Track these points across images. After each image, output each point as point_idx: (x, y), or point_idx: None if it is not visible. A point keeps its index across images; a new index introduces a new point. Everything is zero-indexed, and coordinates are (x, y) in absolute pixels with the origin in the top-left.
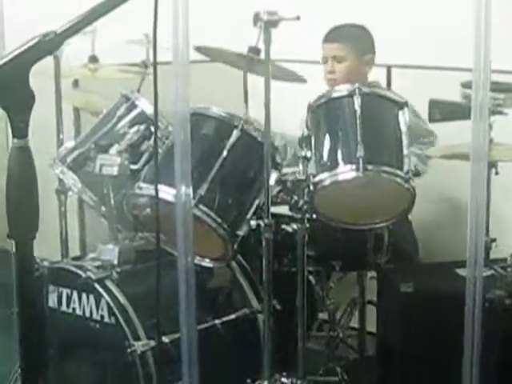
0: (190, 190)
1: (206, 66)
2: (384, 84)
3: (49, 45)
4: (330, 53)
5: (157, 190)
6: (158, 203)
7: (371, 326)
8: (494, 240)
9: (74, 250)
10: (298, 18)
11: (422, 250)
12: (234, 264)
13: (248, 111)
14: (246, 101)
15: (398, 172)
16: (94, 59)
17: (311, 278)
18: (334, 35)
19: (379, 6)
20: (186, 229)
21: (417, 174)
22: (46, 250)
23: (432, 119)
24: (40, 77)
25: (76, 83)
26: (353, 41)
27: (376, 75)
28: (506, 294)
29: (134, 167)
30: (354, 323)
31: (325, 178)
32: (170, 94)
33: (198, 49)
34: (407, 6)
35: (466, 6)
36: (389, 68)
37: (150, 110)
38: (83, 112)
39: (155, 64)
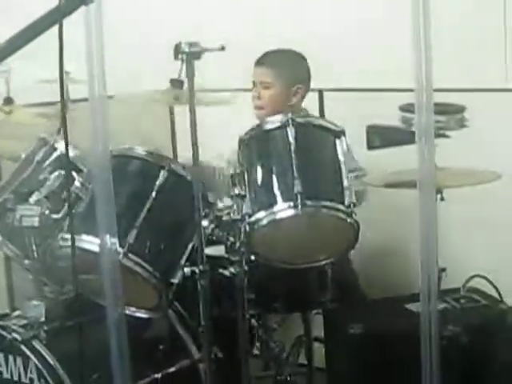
0: (116, 239)
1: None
2: (316, 109)
3: None
4: (257, 77)
5: (73, 242)
6: (74, 254)
7: (319, 363)
8: (443, 270)
9: (2, 305)
10: (222, 49)
11: (364, 285)
12: (170, 312)
13: (176, 144)
14: (173, 133)
15: (339, 206)
16: (8, 101)
17: (253, 321)
18: (265, 60)
19: (312, 27)
20: (113, 280)
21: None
22: None
23: (371, 146)
24: None
25: None
26: (282, 68)
27: (306, 101)
28: (461, 329)
29: (55, 216)
30: (301, 360)
31: (262, 216)
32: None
33: (117, 98)
34: (340, 27)
35: (401, 23)
36: (321, 92)
37: (71, 153)
38: (1, 159)
39: (63, 101)
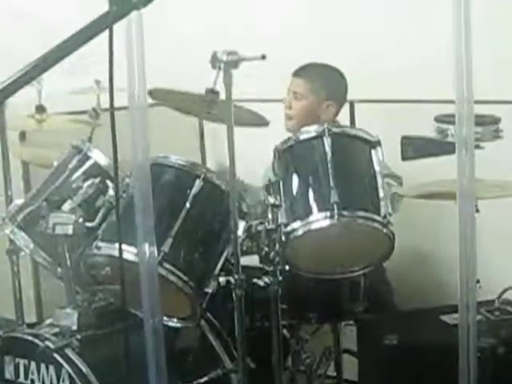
0: (155, 248)
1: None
2: (347, 121)
3: None
4: (291, 87)
5: (121, 251)
6: (122, 265)
7: (348, 375)
8: (477, 281)
9: (30, 313)
10: (263, 57)
11: (397, 296)
12: (202, 322)
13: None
14: (202, 148)
15: (375, 217)
16: (41, 109)
17: (285, 331)
18: (302, 71)
19: (351, 39)
20: (151, 289)
21: None
22: None
23: (405, 157)
24: None
25: (23, 135)
26: (316, 82)
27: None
28: (498, 341)
29: (89, 225)
30: (330, 372)
31: (297, 226)
32: (124, 142)
33: (150, 92)
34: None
35: (433, 36)
36: (352, 103)
37: (104, 162)
38: (32, 166)
39: (112, 110)
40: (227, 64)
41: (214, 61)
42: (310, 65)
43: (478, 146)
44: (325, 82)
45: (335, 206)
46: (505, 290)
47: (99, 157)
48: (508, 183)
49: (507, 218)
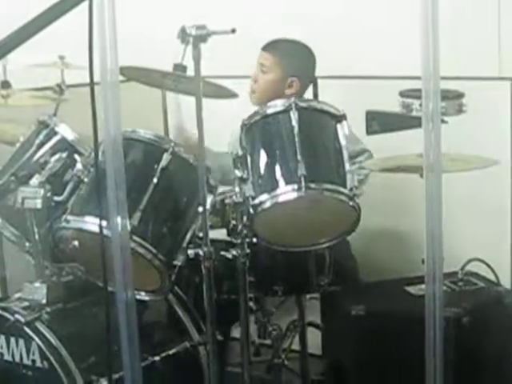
0: (127, 221)
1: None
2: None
3: None
4: (259, 59)
5: (101, 226)
6: (103, 238)
7: (312, 349)
8: None
9: None
10: (233, 31)
11: (362, 271)
12: (170, 295)
13: (168, 132)
14: (165, 122)
15: (342, 189)
16: (6, 84)
17: (251, 304)
18: (271, 45)
19: (310, 14)
20: (124, 262)
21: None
22: None
23: (370, 131)
24: None
25: None
26: (283, 57)
27: None
28: (462, 311)
29: (58, 199)
30: (294, 345)
31: (265, 199)
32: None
33: (121, 70)
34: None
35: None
36: (315, 79)
37: (71, 137)
38: None
39: (92, 85)
40: (196, 38)
41: (183, 35)
42: (281, 40)
43: (442, 121)
44: (292, 58)
45: (302, 179)
46: (468, 262)
47: (66, 131)
48: (471, 157)
49: (470, 190)
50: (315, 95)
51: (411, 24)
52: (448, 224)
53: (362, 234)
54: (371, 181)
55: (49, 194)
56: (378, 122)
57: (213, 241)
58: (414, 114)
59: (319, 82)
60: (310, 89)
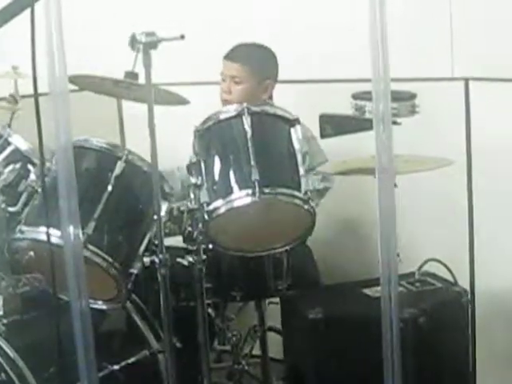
0: (79, 230)
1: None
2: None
3: None
4: (228, 72)
5: (49, 234)
6: (51, 248)
7: (273, 353)
8: (397, 255)
9: None
10: (182, 37)
11: (322, 272)
12: (128, 303)
13: (125, 141)
14: (121, 130)
15: (296, 193)
16: None
17: (210, 310)
18: (235, 54)
19: (261, 19)
20: (77, 271)
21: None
22: None
23: (324, 135)
24: None
25: None
26: (255, 64)
27: None
28: (418, 311)
29: (12, 209)
30: (256, 351)
31: (219, 205)
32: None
33: (70, 79)
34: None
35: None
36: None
37: (24, 147)
38: None
39: (36, 96)
40: (146, 45)
41: (133, 42)
42: (243, 46)
43: (395, 122)
44: (262, 62)
45: (256, 184)
46: (425, 262)
47: (19, 142)
48: (425, 158)
49: (424, 191)
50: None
51: (361, 26)
52: (405, 224)
53: (321, 238)
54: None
55: (3, 205)
56: (332, 126)
57: (170, 248)
58: (367, 116)
59: None
60: None
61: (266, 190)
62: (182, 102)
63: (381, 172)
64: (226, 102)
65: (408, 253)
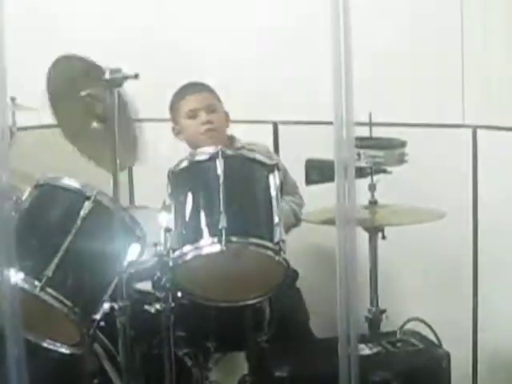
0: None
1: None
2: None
3: None
4: (203, 102)
5: None
6: None
7: None
8: (383, 311)
9: None
10: (136, 77)
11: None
12: (99, 350)
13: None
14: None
15: (267, 243)
16: None
17: (187, 359)
18: (200, 87)
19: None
20: (13, 315)
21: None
22: None
23: (309, 181)
24: None
25: None
26: (215, 94)
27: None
28: (392, 375)
29: None
30: None
31: (187, 251)
32: None
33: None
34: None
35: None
36: (275, 124)
37: None
38: None
39: None
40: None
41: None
42: (194, 83)
43: (383, 171)
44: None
45: (223, 232)
46: (407, 321)
47: None
48: (416, 210)
49: (417, 245)
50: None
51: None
52: (395, 279)
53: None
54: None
55: None
56: (317, 172)
57: (143, 293)
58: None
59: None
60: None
61: (234, 239)
62: None
63: (341, 224)
64: (210, 132)
65: (393, 310)
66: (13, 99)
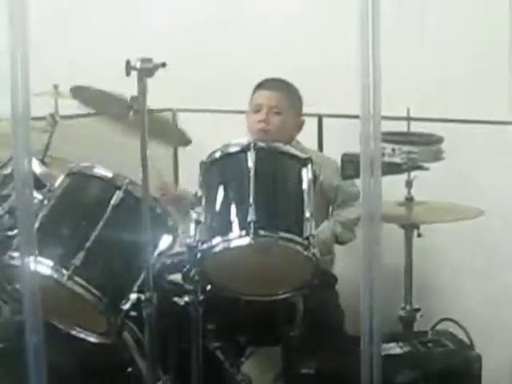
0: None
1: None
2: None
3: None
4: (268, 101)
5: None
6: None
7: None
8: (417, 310)
9: None
10: (163, 65)
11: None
12: (131, 341)
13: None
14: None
15: (296, 238)
16: None
17: (218, 353)
18: (276, 85)
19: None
20: (33, 302)
21: (341, 242)
22: None
23: (345, 175)
24: None
25: None
26: (292, 96)
27: None
28: (420, 375)
29: (10, 233)
30: None
31: (216, 243)
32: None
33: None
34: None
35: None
36: (320, 117)
37: (39, 171)
38: None
39: None
40: (141, 72)
41: (128, 69)
42: (274, 79)
43: (420, 167)
44: (297, 97)
45: (251, 225)
46: (439, 321)
47: (35, 166)
48: (454, 207)
49: (454, 244)
50: (320, 132)
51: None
52: (430, 277)
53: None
54: None
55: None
56: (353, 166)
57: (176, 284)
58: (386, 159)
59: None
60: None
61: (261, 233)
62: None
63: (367, 219)
64: (261, 132)
65: (426, 309)
66: (56, 87)
